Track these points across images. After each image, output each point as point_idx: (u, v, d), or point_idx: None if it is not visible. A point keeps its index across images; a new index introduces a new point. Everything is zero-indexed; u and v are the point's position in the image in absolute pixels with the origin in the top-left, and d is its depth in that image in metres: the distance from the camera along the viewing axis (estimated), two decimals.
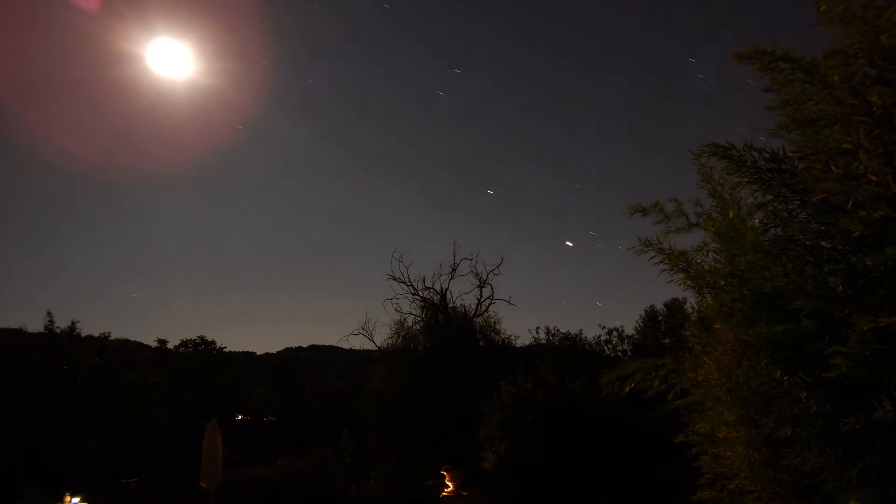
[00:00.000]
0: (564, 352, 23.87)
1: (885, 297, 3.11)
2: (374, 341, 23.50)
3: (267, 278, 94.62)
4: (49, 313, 21.02)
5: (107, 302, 77.79)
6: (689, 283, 4.57)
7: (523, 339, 25.57)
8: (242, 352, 61.93)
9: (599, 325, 30.78)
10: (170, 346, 31.37)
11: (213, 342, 31.94)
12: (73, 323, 22.06)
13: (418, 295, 23.51)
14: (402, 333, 23.62)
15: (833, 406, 3.40)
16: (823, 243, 3.71)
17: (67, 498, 15.78)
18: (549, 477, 13.47)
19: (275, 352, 57.29)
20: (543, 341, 25.68)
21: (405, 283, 23.37)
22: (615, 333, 25.98)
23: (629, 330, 26.35)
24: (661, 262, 4.58)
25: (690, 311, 5.75)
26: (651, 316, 25.82)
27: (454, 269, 23.33)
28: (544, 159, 65.31)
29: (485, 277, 23.25)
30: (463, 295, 27.52)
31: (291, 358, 37.66)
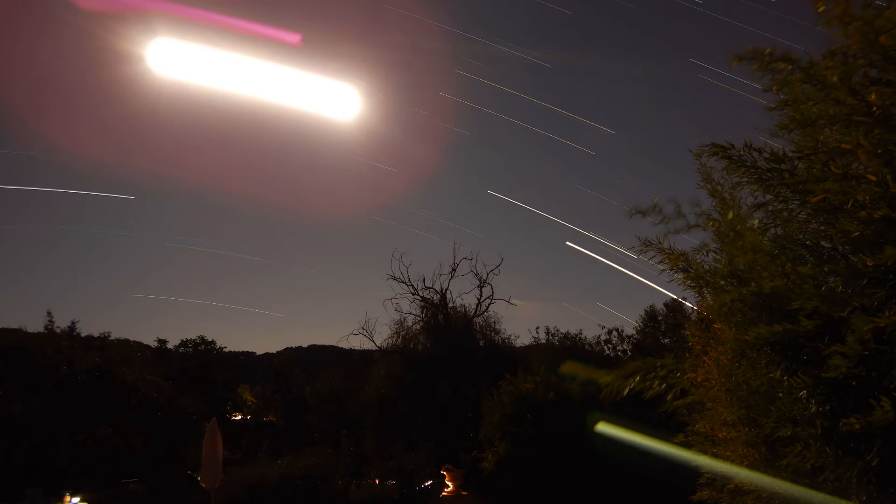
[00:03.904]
0: (564, 352, 23.90)
1: (885, 297, 3.11)
2: (374, 341, 23.53)
3: (267, 278, 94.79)
4: (49, 313, 21.08)
5: (107, 302, 78.00)
6: (689, 283, 4.57)
7: (523, 339, 25.62)
8: (242, 352, 62.07)
9: (599, 325, 30.83)
10: (170, 346, 31.40)
11: (213, 342, 31.97)
12: (73, 323, 22.15)
13: (418, 295, 23.55)
14: (402, 333, 23.65)
15: (833, 406, 3.41)
16: (823, 243, 3.71)
17: (67, 498, 15.80)
18: (549, 476, 13.48)
19: (275, 352, 57.32)
20: (543, 341, 25.72)
21: (405, 283, 23.40)
22: (615, 333, 26.01)
23: (629, 330, 26.39)
24: (661, 262, 4.58)
25: (690, 311, 5.74)
26: (651, 316, 25.82)
27: (454, 269, 23.37)
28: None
29: (485, 277, 23.28)
30: (463, 295, 27.54)
31: (291, 358, 37.61)
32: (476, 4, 61.26)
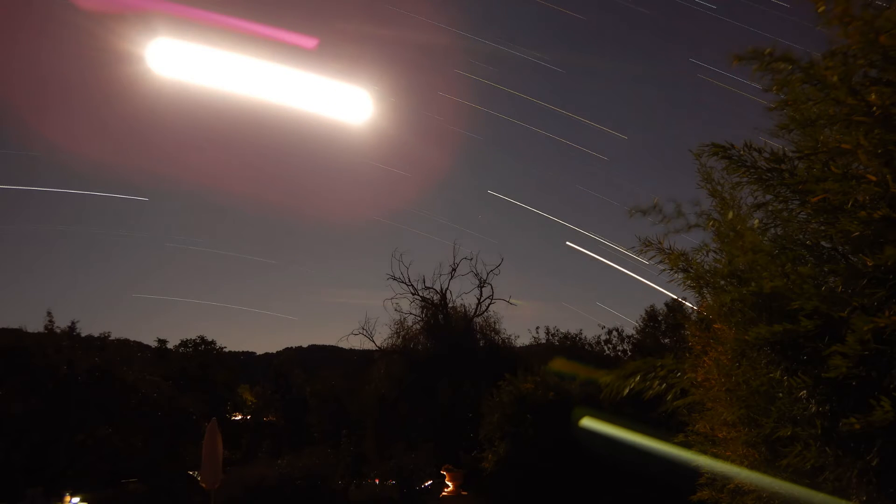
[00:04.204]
0: (564, 352, 23.89)
1: (885, 297, 3.11)
2: (374, 341, 23.51)
3: (267, 278, 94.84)
4: (49, 313, 21.08)
5: (107, 302, 78.06)
6: (689, 283, 4.57)
7: (523, 339, 25.59)
8: (242, 352, 62.08)
9: (599, 325, 30.80)
10: (170, 346, 31.40)
11: (212, 342, 31.98)
12: (73, 323, 22.15)
13: (418, 295, 23.53)
14: (402, 333, 23.64)
15: (833, 406, 3.41)
16: (823, 243, 3.72)
17: (67, 498, 15.80)
18: (549, 476, 13.48)
19: (275, 352, 57.32)
20: (543, 341, 25.71)
21: (405, 283, 23.39)
22: (615, 333, 26.01)
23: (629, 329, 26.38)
24: (661, 262, 4.58)
25: (690, 311, 5.74)
26: (651, 316, 25.80)
27: (454, 269, 23.36)
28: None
29: (485, 277, 23.28)
30: (463, 295, 27.51)
31: (291, 358, 37.63)
32: (486, 8, 61.04)
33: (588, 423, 12.54)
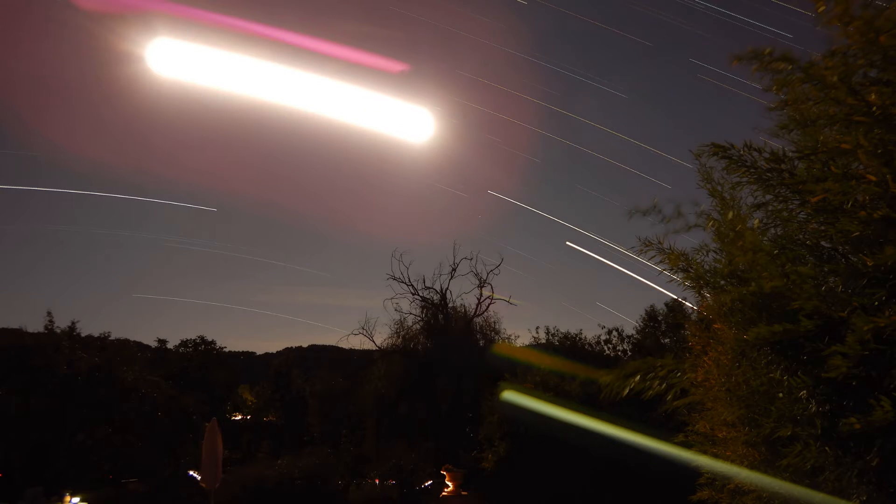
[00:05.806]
0: (564, 352, 23.88)
1: (885, 297, 3.11)
2: (374, 341, 23.54)
3: (268, 278, 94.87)
4: (49, 313, 21.06)
5: (107, 302, 78.13)
6: (689, 283, 4.56)
7: (523, 339, 25.59)
8: (242, 352, 62.10)
9: (599, 325, 30.76)
10: (170, 346, 31.40)
11: (212, 342, 31.96)
12: (73, 323, 22.12)
13: (418, 295, 23.55)
14: (402, 333, 23.67)
15: (833, 406, 3.41)
16: (823, 243, 3.72)
17: (67, 498, 15.81)
18: (549, 476, 13.47)
19: (275, 352, 57.32)
20: (543, 341, 25.70)
21: (405, 283, 23.41)
22: (615, 333, 25.99)
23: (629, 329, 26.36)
24: (661, 262, 4.57)
25: (690, 311, 5.74)
26: (651, 316, 25.78)
27: (454, 269, 23.37)
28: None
29: (485, 277, 23.29)
30: (463, 295, 27.51)
31: (291, 358, 37.66)
32: (543, 30, 60.34)
33: (509, 395, 12.84)
